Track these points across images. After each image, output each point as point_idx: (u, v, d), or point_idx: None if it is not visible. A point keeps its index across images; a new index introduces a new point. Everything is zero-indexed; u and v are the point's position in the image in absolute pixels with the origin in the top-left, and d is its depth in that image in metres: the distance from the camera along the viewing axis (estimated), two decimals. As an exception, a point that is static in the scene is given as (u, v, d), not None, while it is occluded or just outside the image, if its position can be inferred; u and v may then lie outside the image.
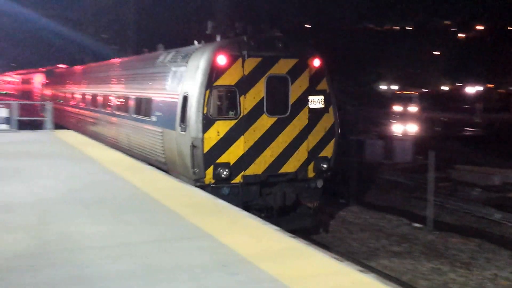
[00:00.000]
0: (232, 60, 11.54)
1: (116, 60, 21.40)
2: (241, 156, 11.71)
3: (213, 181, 11.61)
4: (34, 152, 14.98)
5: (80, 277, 5.49)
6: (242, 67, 11.60)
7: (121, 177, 11.31)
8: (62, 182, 10.56)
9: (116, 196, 9.43)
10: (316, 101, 12.48)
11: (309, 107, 12.30)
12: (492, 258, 12.39)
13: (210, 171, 11.52)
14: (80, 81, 24.45)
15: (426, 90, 77.30)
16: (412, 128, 33.51)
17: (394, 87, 77.10)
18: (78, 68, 28.40)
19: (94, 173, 11.73)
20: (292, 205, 12.35)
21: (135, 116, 15.71)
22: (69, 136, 19.78)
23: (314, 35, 64.98)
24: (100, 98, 19.93)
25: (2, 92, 55.24)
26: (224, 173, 11.49)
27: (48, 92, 33.16)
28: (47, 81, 34.73)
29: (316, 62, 12.36)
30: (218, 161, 11.55)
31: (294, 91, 12.08)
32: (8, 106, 22.51)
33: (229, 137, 11.62)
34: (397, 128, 33.11)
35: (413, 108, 54.60)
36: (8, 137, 18.78)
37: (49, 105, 22.16)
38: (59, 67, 36.61)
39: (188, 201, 9.07)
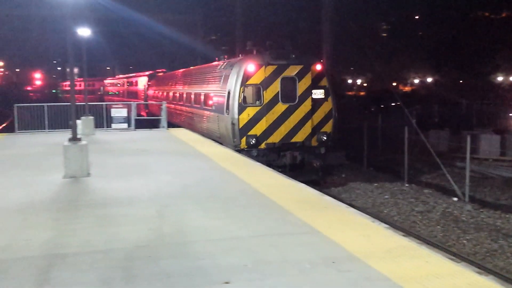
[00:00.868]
0: (258, 68, 17.23)
1: (196, 67, 27.05)
2: (264, 130, 17.22)
3: (246, 146, 17.14)
4: (151, 149, 15.94)
5: (195, 269, 5.75)
6: (264, 71, 17.20)
7: (230, 172, 11.70)
8: (177, 177, 11.14)
9: (226, 191, 9.77)
10: (318, 93, 17.75)
11: (312, 97, 17.53)
12: None
13: (243, 140, 17.18)
14: (171, 83, 30.96)
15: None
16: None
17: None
18: (170, 73, 34.97)
19: (205, 169, 12.24)
20: (299, 164, 17.48)
21: (204, 107, 21.19)
22: (182, 133, 20.83)
23: (422, 27, 62.29)
24: (183, 95, 25.79)
25: (110, 92, 60.03)
26: (253, 141, 17.08)
27: (150, 92, 38.61)
28: (149, 83, 40.15)
29: (318, 67, 17.73)
30: (249, 133, 17.18)
31: (300, 87, 17.41)
32: (127, 106, 24.08)
33: (255, 117, 17.21)
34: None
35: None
36: (128, 135, 20.16)
37: (164, 105, 23.46)
38: (158, 71, 41.50)
39: (295, 197, 9.15)
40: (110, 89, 60.59)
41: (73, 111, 11.78)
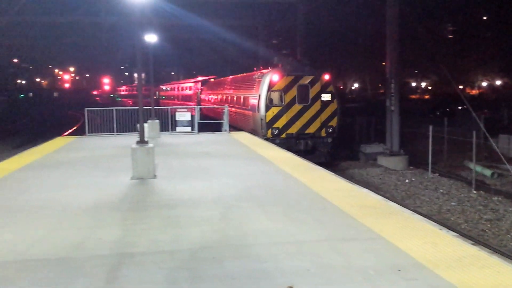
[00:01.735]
0: (280, 78, 22.53)
1: (239, 75, 31.77)
2: (284, 124, 22.44)
3: (271, 136, 22.24)
4: (214, 152, 16.21)
5: (259, 271, 5.80)
6: (285, 80, 22.47)
7: (291, 176, 11.70)
8: (239, 180, 11.27)
9: (288, 195, 9.78)
10: (326, 97, 22.82)
11: (321, 100, 22.74)
12: None
13: (269, 131, 22.38)
14: (220, 88, 35.62)
15: None
16: None
17: None
18: (219, 79, 39.94)
19: (267, 172, 12.31)
20: (311, 150, 22.69)
21: (243, 107, 26.10)
22: (243, 137, 21.08)
23: (490, 28, 59.72)
24: (229, 98, 30.67)
25: (163, 97, 63.41)
26: (276, 132, 22.32)
27: (202, 96, 42.96)
28: (201, 88, 44.35)
29: (326, 77, 22.88)
30: (273, 126, 22.38)
31: (312, 92, 22.67)
32: (191, 110, 24.61)
33: (278, 114, 22.41)
34: None
35: None
36: (192, 139, 20.60)
37: (226, 109, 23.83)
38: (210, 78, 45.28)
39: (358, 202, 9.04)
40: (165, 93, 63.23)
41: (140, 115, 12.15)
